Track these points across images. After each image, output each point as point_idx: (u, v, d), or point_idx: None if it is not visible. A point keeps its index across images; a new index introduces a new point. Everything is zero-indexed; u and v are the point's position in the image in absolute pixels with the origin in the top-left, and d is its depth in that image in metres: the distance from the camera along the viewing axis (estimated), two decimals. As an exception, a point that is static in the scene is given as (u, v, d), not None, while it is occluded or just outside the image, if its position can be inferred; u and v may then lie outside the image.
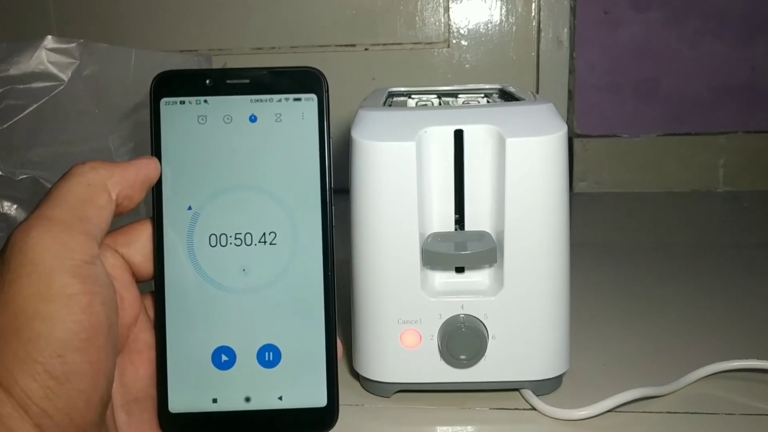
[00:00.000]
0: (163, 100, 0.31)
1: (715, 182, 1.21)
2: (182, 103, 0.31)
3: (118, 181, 0.29)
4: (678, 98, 1.20)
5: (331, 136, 0.32)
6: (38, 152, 0.57)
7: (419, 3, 1.22)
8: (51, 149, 0.57)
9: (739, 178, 1.20)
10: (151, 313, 0.32)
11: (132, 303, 0.31)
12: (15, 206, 0.56)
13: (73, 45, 0.57)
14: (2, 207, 0.56)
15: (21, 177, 0.55)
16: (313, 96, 0.32)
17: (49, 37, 0.56)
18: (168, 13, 1.25)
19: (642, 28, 1.18)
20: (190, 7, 1.24)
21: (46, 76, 0.56)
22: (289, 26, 1.24)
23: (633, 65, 1.20)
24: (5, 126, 0.55)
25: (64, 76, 0.57)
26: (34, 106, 0.56)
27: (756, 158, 1.19)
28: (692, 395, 0.50)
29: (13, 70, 0.55)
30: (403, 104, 0.58)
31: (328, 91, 0.32)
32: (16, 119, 0.55)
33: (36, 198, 0.56)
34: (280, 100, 0.32)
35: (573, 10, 1.19)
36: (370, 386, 0.52)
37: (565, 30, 1.19)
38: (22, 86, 0.55)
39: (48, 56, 0.56)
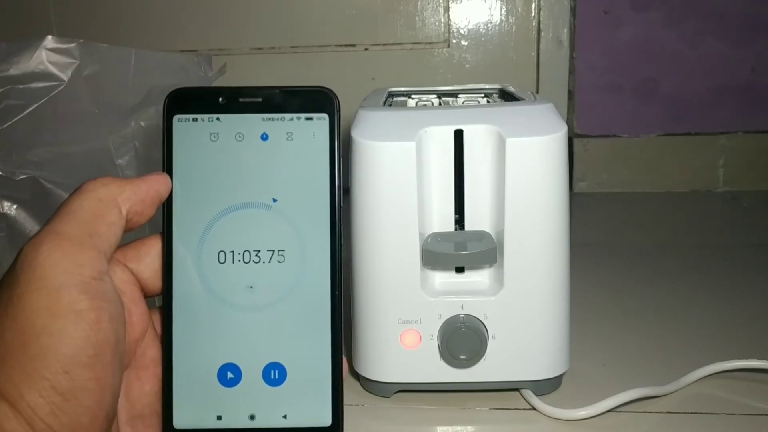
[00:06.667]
0: (176, 117, 0.31)
1: (715, 182, 1.21)
2: (195, 120, 0.32)
3: (128, 197, 0.29)
4: (678, 98, 1.20)
5: (342, 155, 0.32)
6: (38, 152, 0.57)
7: (419, 3, 1.22)
8: (51, 149, 0.57)
9: (739, 178, 1.20)
10: (159, 328, 0.32)
11: (140, 318, 0.31)
12: (15, 206, 0.56)
13: (73, 45, 0.57)
14: (2, 207, 0.55)
15: (21, 177, 0.55)
16: (325, 115, 0.32)
17: (49, 37, 0.56)
18: (168, 13, 1.25)
19: (642, 28, 1.18)
20: (190, 7, 1.24)
21: (46, 76, 0.56)
22: (289, 26, 1.24)
23: (633, 65, 1.20)
24: (5, 126, 0.55)
25: (64, 76, 0.57)
26: (34, 106, 0.56)
27: (756, 158, 1.19)
28: (692, 395, 0.50)
29: (13, 70, 0.55)
30: (403, 104, 0.58)
31: (339, 111, 0.32)
32: (16, 119, 0.55)
33: (36, 198, 0.56)
34: (291, 119, 0.32)
35: (573, 10, 1.19)
36: (370, 386, 0.52)
37: (565, 30, 1.19)
38: (22, 86, 0.55)
39: (48, 56, 0.56)
